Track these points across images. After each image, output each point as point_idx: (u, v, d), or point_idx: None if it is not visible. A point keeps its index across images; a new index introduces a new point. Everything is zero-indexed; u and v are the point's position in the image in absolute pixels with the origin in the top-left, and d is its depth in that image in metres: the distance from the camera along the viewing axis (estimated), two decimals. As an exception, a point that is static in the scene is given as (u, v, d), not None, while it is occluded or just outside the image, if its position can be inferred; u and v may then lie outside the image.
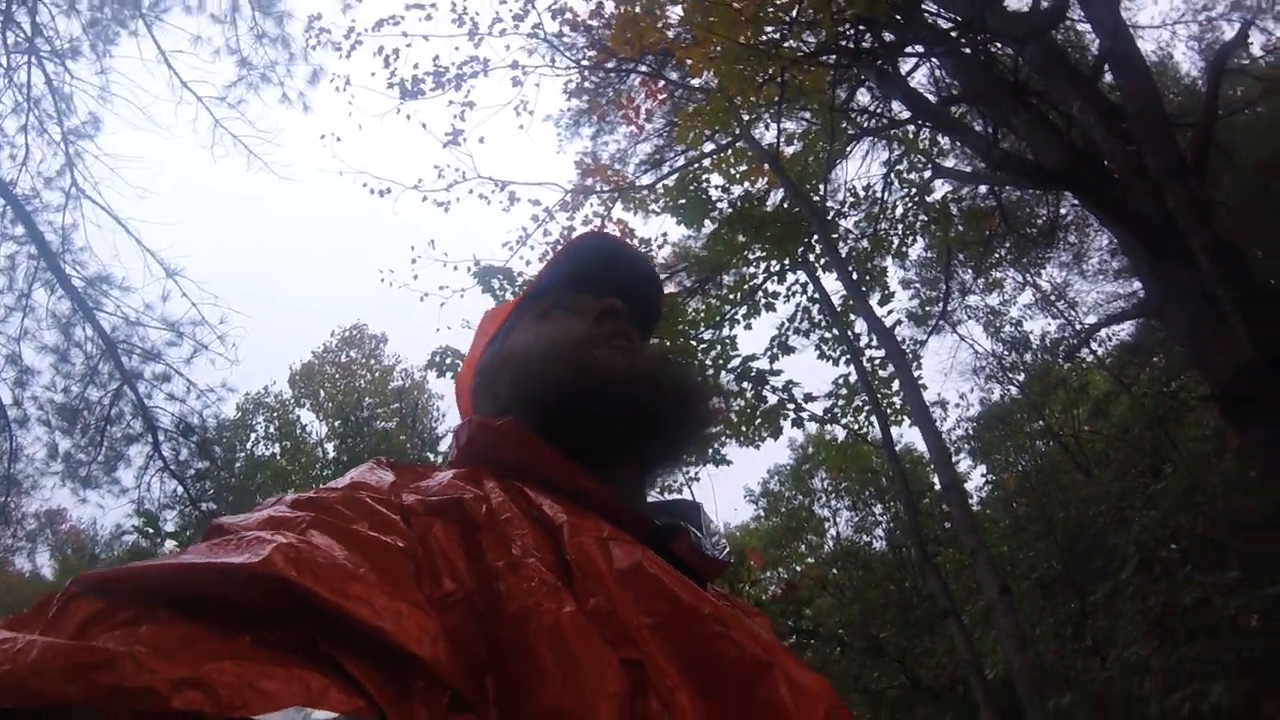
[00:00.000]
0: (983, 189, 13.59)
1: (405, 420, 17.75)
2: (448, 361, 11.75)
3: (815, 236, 11.78)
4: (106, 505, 10.29)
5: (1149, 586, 12.12)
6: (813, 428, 17.89)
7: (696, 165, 12.50)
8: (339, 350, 22.64)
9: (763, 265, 12.89)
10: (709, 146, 12.27)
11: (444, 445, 18.59)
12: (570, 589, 0.81)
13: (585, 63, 12.43)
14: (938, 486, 19.56)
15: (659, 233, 19.24)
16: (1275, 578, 8.99)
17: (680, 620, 0.82)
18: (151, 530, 9.09)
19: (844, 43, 10.29)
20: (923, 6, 10.51)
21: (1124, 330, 16.25)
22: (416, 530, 0.84)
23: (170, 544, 8.79)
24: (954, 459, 14.85)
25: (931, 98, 11.40)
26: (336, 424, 18.68)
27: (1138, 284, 13.55)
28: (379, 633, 0.67)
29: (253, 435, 18.66)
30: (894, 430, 11.86)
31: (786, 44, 9.61)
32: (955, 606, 9.96)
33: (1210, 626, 10.00)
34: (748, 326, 12.75)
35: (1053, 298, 17.43)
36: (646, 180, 13.43)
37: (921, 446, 17.44)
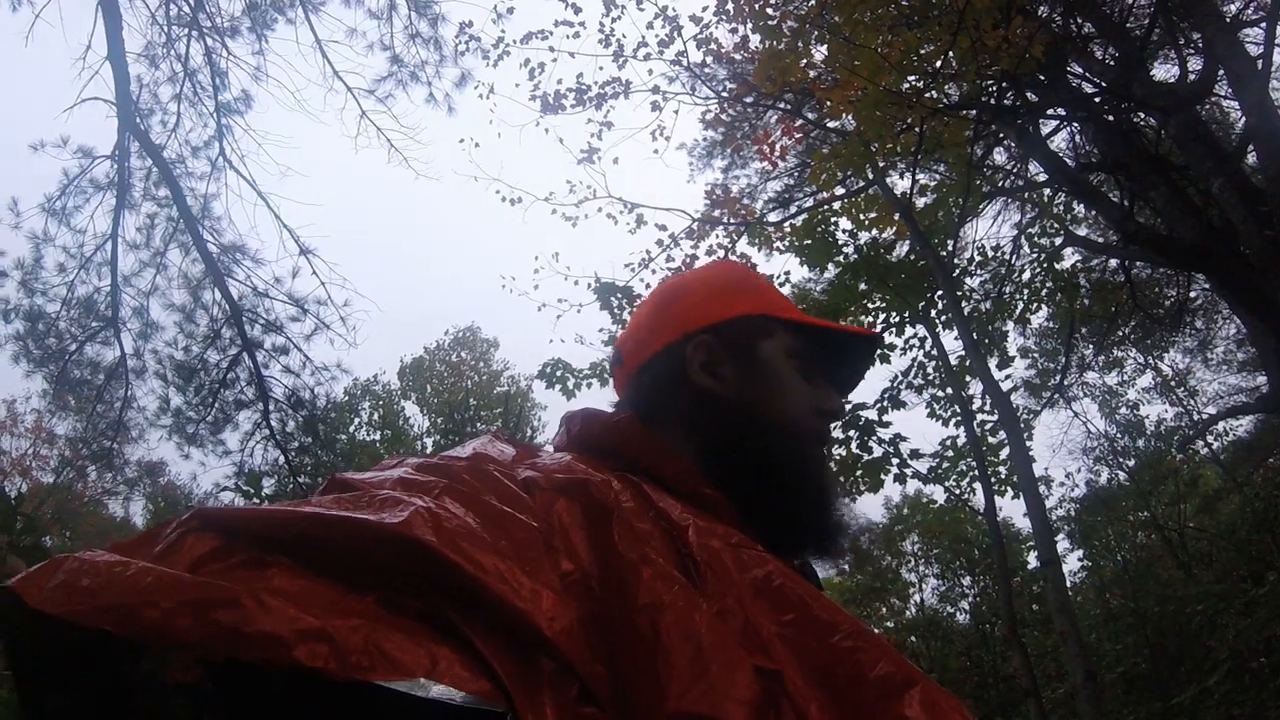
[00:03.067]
0: (1113, 262, 13.31)
1: (508, 424, 18.01)
2: (558, 374, 11.97)
3: (939, 292, 11.67)
4: (208, 464, 10.53)
5: (1237, 696, 11.67)
6: (911, 489, 17.64)
7: (826, 207, 12.51)
8: (451, 349, 23.10)
9: (882, 315, 12.79)
10: (840, 190, 12.27)
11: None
12: (699, 590, 0.79)
13: (724, 94, 12.57)
14: (1031, 565, 19.12)
15: (782, 270, 19.25)
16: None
17: (813, 632, 0.79)
18: (252, 490, 9.39)
19: (985, 98, 10.24)
20: (1068, 69, 10.42)
21: (1243, 425, 15.73)
22: (539, 505, 0.81)
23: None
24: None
25: (1069, 162, 11.24)
26: (439, 420, 19.04)
27: (1262, 378, 13.09)
28: (515, 612, 0.65)
29: (356, 419, 19.16)
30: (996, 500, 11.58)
31: (928, 94, 9.59)
32: (1037, 687, 9.72)
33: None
34: (862, 376, 12.61)
35: (1173, 383, 16.93)
36: (774, 217, 13.49)
37: (1019, 522, 17.06)
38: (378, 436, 18.16)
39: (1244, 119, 9.05)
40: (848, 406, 11.99)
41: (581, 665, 0.67)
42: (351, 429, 18.30)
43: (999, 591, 14.20)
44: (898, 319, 12.72)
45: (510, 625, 0.65)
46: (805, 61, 10.48)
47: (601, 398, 12.80)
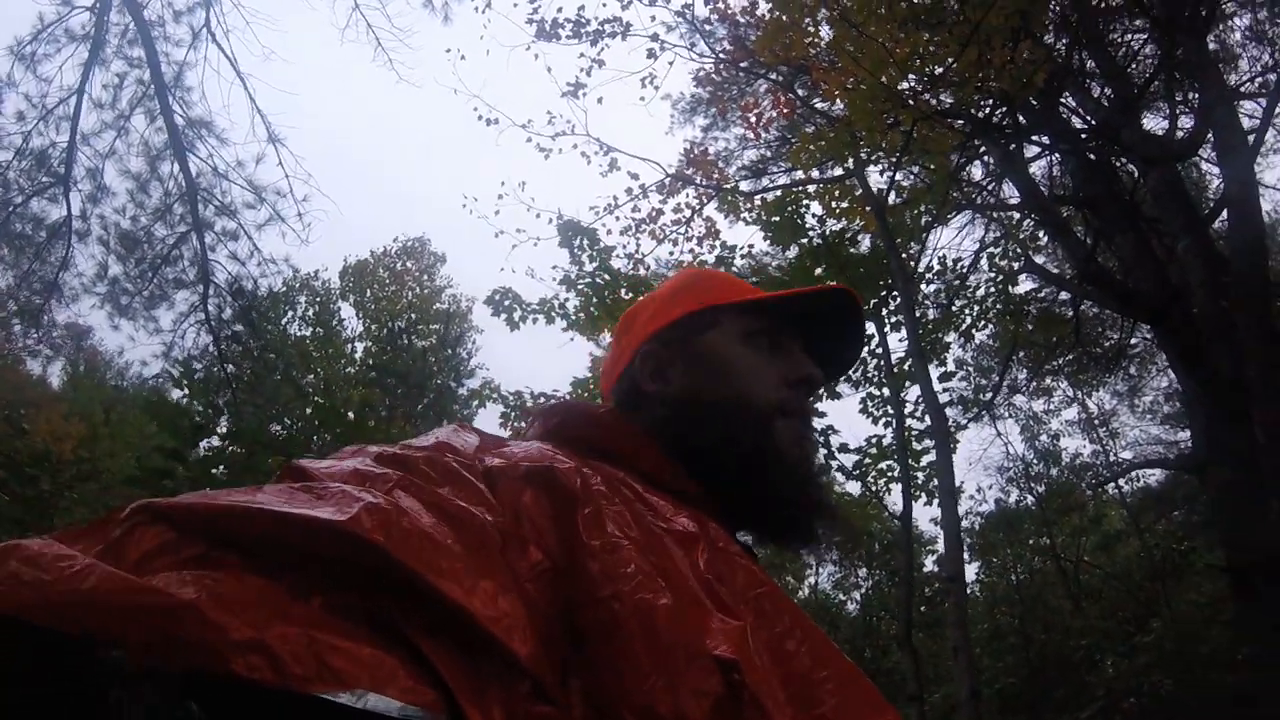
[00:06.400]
0: (1064, 295, 13.48)
1: (443, 343, 17.85)
2: (506, 303, 11.85)
3: (895, 292, 11.73)
4: (137, 339, 10.30)
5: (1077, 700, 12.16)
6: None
7: (799, 189, 12.47)
8: (397, 257, 22.77)
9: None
10: (815, 173, 12.24)
11: (473, 382, 18.68)
12: (671, 576, 0.79)
13: (722, 55, 12.42)
14: (927, 568, 19.54)
15: (745, 242, 19.25)
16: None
17: (791, 636, 0.82)
18: (186, 382, 9.21)
19: (977, 112, 10.24)
20: (1061, 100, 10.45)
21: (1155, 475, 16.09)
22: (504, 495, 0.80)
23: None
24: (954, 548, 14.78)
25: (1044, 191, 11.32)
26: (374, 326, 18.81)
27: (1184, 434, 13.42)
28: (464, 614, 0.64)
29: (291, 313, 18.81)
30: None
31: (924, 96, 9.55)
32: (922, 693, 9.92)
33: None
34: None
35: (1096, 422, 17.28)
36: (745, 186, 13.42)
37: (924, 526, 17.34)
38: (309, 333, 17.91)
39: (1223, 187, 9.16)
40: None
41: (534, 663, 0.66)
42: (284, 322, 18.01)
43: (897, 591, 14.48)
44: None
45: (459, 627, 0.63)
46: (810, 39, 10.38)
47: (547, 335, 12.76)
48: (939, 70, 9.30)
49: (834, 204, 12.08)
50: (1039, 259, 13.14)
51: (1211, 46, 9.91)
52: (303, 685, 0.55)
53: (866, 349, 12.65)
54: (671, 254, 13.12)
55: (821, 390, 12.10)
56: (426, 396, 17.87)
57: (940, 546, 16.71)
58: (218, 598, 0.57)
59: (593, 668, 0.70)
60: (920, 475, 12.39)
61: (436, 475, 0.78)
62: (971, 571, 18.79)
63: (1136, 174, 9.97)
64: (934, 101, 9.89)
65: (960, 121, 10.29)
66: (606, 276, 12.94)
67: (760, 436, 1.08)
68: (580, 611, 0.73)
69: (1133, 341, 14.41)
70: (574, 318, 12.85)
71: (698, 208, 12.75)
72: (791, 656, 0.81)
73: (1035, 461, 17.33)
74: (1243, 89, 10.25)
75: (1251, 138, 8.56)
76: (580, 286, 12.71)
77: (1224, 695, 10.28)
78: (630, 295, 12.83)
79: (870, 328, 12.57)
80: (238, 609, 0.57)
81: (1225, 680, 10.40)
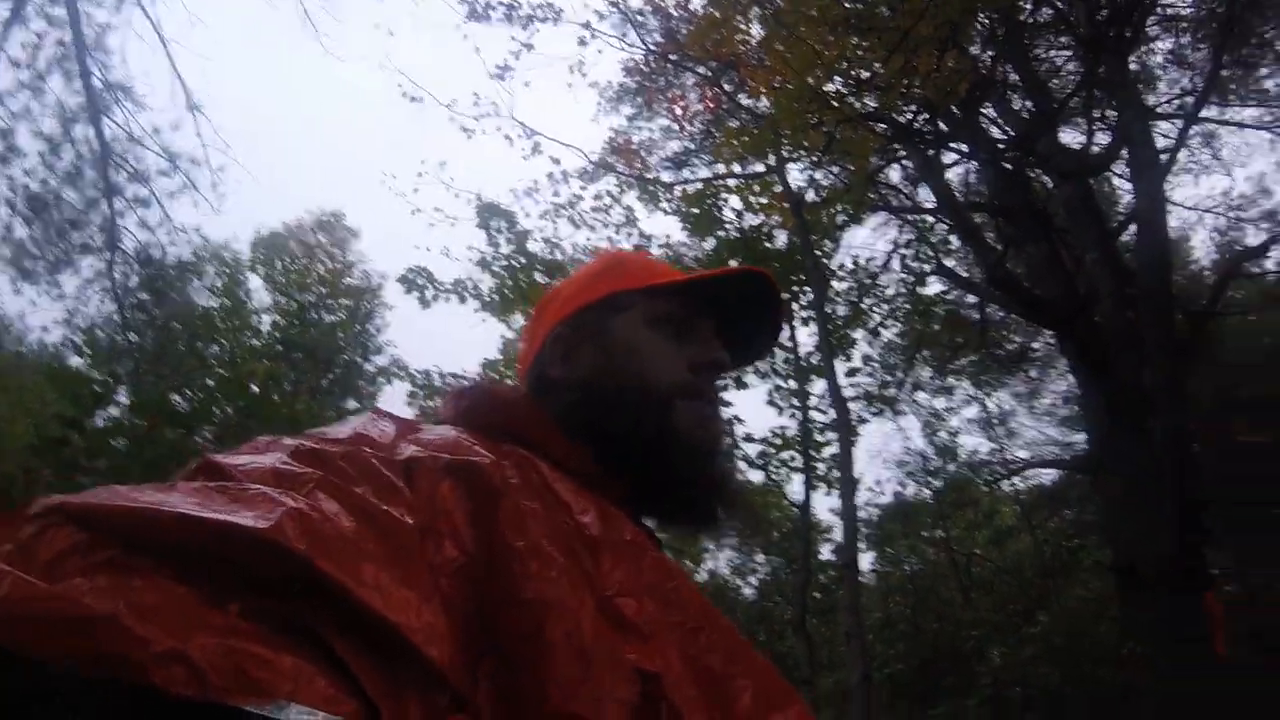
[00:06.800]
0: (972, 298, 13.84)
1: (353, 318, 17.59)
2: (419, 281, 11.76)
3: (807, 287, 11.93)
4: (39, 304, 9.97)
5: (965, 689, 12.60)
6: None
7: (720, 182, 12.59)
8: (310, 230, 22.28)
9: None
10: (737, 168, 12.36)
11: (382, 359, 18.40)
12: (588, 581, 0.80)
13: (653, 47, 12.46)
14: (823, 556, 19.91)
15: (664, 232, 19.30)
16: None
17: (700, 641, 0.84)
18: (88, 350, 8.94)
19: (899, 116, 10.45)
20: (982, 110, 10.73)
21: (1049, 475, 16.64)
22: (422, 488, 0.79)
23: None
24: (852, 539, 15.13)
25: (959, 197, 11.61)
26: (282, 300, 18.43)
27: (1079, 436, 13.92)
28: (386, 624, 0.63)
29: (197, 281, 18.28)
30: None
31: (849, 99, 9.72)
32: (815, 677, 10.16)
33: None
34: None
35: (995, 421, 17.77)
36: (667, 177, 13.50)
37: (824, 516, 17.67)
38: (217, 304, 17.43)
39: (1134, 202, 9.52)
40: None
41: (454, 673, 0.66)
42: (191, 291, 17.51)
43: (793, 577, 14.76)
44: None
45: (379, 637, 0.63)
46: (740, 36, 10.48)
47: (460, 316, 12.69)
48: (865, 74, 9.48)
49: (753, 199, 12.23)
50: (950, 262, 13.47)
51: (1133, 67, 10.29)
52: (224, 696, 0.54)
53: (780, 338, 12.77)
54: (589, 239, 13.14)
55: (729, 379, 12.30)
56: (333, 371, 17.58)
57: (838, 535, 17.07)
58: (137, 608, 0.56)
59: (510, 669, 0.71)
60: (821, 466, 12.66)
61: (355, 473, 0.76)
62: (867, 561, 19.21)
63: (1051, 185, 10.29)
64: (858, 104, 10.08)
65: (883, 125, 10.49)
66: (522, 260, 12.92)
67: (661, 419, 1.07)
68: (500, 611, 0.73)
69: (1034, 346, 14.86)
70: (487, 299, 12.81)
71: (618, 195, 12.79)
72: (704, 653, 0.83)
73: (934, 457, 17.76)
74: (1159, 109, 10.65)
75: (1165, 157, 8.94)
76: (495, 269, 12.68)
77: (1110, 690, 10.74)
78: (546, 279, 12.84)
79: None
80: (158, 619, 0.56)
81: (1112, 675, 10.87)
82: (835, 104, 9.32)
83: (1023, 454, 17.17)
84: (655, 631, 0.80)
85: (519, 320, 13.13)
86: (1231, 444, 9.27)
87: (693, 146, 13.85)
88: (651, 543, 0.97)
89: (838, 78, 9.47)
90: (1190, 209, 13.75)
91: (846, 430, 10.43)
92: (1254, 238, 13.35)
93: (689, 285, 1.17)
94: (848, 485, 9.84)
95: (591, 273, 1.27)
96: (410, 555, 0.70)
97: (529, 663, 0.71)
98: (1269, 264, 11.21)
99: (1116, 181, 12.47)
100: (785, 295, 12.48)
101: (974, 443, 17.57)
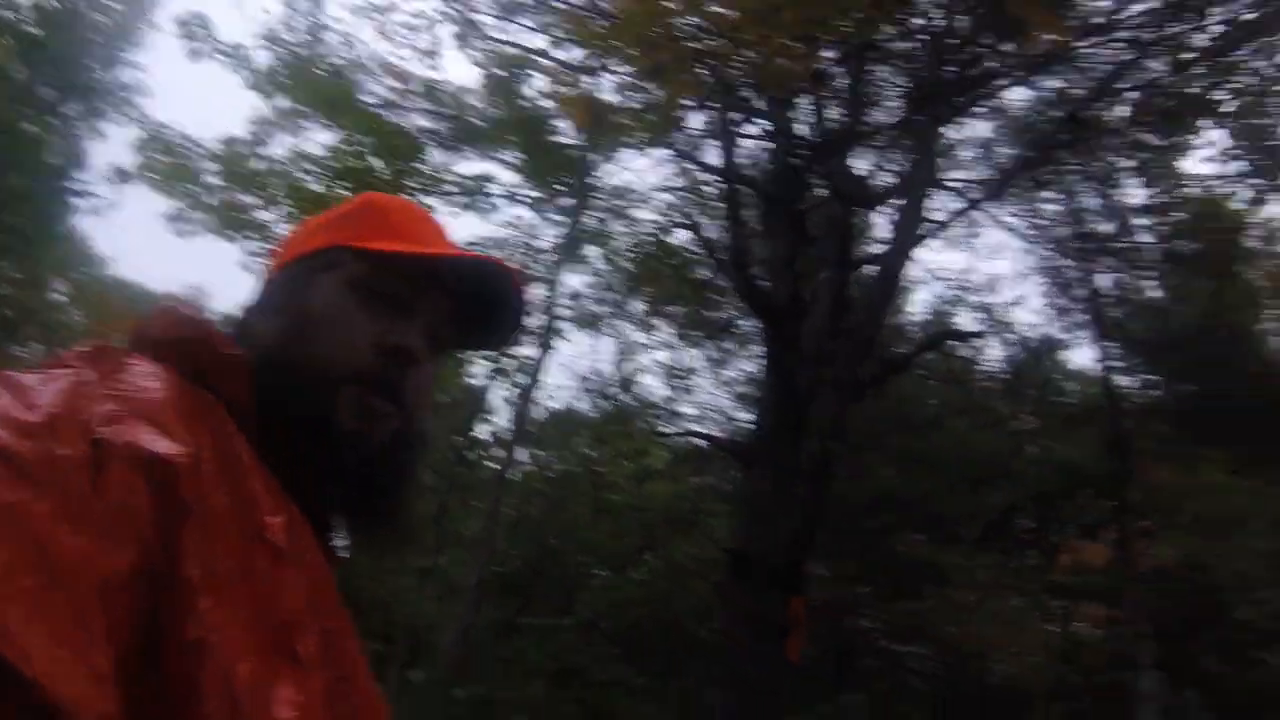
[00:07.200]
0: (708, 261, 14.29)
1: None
2: (200, 30, 11.15)
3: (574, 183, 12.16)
4: None
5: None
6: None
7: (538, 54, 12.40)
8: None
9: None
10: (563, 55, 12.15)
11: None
12: (261, 606, 0.76)
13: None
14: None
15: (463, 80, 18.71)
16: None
17: (347, 681, 0.85)
18: None
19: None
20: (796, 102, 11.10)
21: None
22: (114, 483, 0.69)
23: None
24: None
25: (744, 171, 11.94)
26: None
27: (747, 417, 14.89)
28: (33, 686, 0.56)
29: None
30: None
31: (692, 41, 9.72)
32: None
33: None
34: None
35: (680, 374, 18.52)
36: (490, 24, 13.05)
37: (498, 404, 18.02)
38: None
39: (886, 250, 10.10)
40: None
41: None
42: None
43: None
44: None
45: (24, 692, 0.56)
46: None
47: (230, 85, 11.99)
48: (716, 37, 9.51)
49: (560, 89, 12.12)
50: (704, 220, 13.87)
51: (951, 135, 11.02)
52: None
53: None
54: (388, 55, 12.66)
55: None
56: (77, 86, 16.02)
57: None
58: None
59: (161, 703, 0.67)
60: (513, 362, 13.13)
61: (42, 479, 0.65)
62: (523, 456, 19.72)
63: (823, 195, 10.76)
64: (698, 46, 10.13)
65: (709, 74, 10.58)
66: (312, 46, 12.34)
67: (322, 402, 0.94)
68: (163, 637, 0.68)
69: (741, 322, 15.54)
70: (259, 77, 12.18)
71: (437, 22, 12.33)
72: (341, 701, 0.81)
73: (616, 386, 18.35)
74: (948, 183, 11.31)
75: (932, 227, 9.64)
76: (280, 50, 12.04)
77: (699, 646, 11.72)
78: (322, 76, 12.32)
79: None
80: None
81: (699, 634, 11.87)
82: (680, 39, 9.30)
83: (692, 411, 18.06)
84: (313, 674, 0.78)
85: (282, 103, 12.50)
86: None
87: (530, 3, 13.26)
88: (329, 557, 0.93)
89: (694, 17, 9.43)
90: (929, 269, 14.85)
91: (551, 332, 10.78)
92: (963, 321, 14.97)
93: (396, 257, 1.01)
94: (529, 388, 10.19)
95: (339, 214, 1.12)
96: (79, 592, 0.62)
97: (179, 703, 0.67)
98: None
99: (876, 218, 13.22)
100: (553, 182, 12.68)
101: (655, 385, 18.27)
